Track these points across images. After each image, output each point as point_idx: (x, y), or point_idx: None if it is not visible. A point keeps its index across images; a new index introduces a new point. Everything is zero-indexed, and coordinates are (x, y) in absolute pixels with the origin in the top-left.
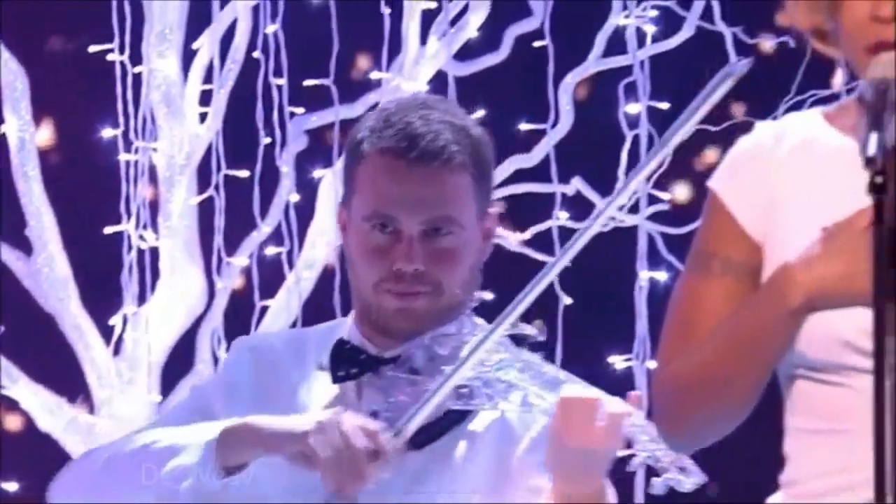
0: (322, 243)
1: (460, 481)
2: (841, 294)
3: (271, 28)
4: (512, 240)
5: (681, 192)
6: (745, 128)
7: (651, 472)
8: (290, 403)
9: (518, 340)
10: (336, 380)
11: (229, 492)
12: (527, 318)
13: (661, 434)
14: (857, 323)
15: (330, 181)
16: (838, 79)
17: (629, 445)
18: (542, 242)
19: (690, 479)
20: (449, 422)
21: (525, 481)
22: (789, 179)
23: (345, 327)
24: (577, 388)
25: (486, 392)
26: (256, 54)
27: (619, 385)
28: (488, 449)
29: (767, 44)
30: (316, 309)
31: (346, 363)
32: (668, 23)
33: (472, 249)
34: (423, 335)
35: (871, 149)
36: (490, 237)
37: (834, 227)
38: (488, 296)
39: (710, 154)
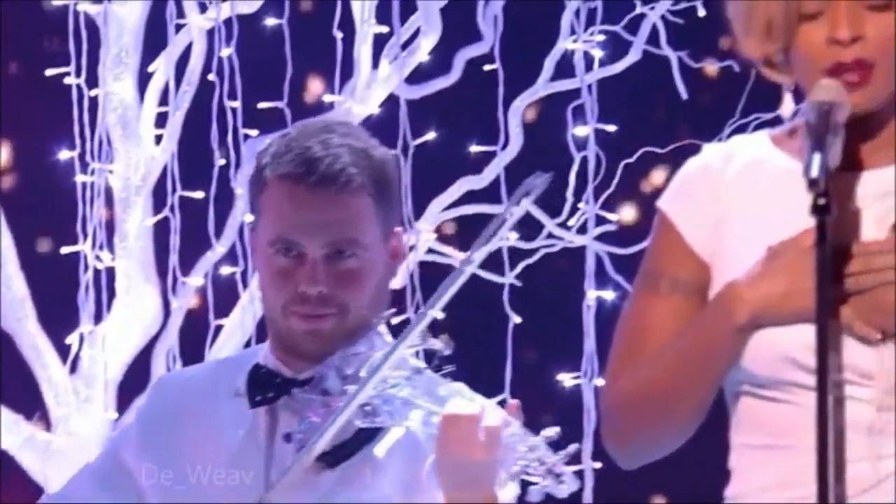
0: None
1: (371, 499)
2: (785, 311)
3: (226, 52)
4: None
5: (628, 213)
6: (691, 149)
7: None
8: (206, 433)
9: (428, 355)
10: (253, 405)
11: None
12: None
13: (609, 450)
14: (801, 340)
15: None
16: (787, 104)
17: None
18: (492, 262)
19: (565, 487)
20: (359, 441)
21: (433, 497)
22: (737, 200)
23: (261, 353)
24: (460, 403)
25: (386, 409)
26: (211, 77)
27: (568, 402)
28: (397, 467)
29: (712, 67)
30: None
31: (262, 388)
32: (616, 47)
33: (377, 269)
34: (333, 356)
35: (814, 171)
36: (398, 256)
37: (778, 245)
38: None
39: (656, 175)
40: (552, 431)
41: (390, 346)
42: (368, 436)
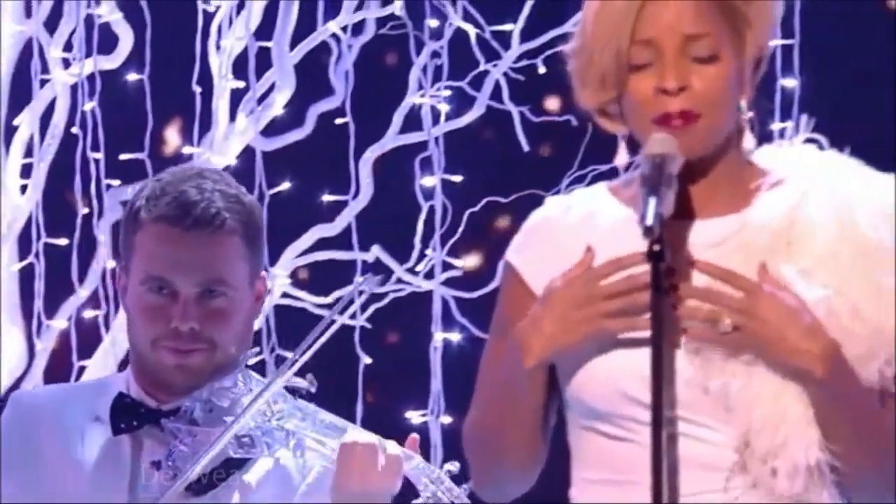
0: None
1: None
2: (568, 345)
3: (89, 105)
4: (314, 304)
5: (472, 259)
6: (533, 199)
7: None
8: (64, 455)
9: (291, 392)
10: (116, 432)
11: None
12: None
13: (474, 488)
14: (636, 376)
15: None
16: (622, 155)
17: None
18: (344, 306)
19: None
20: (228, 469)
21: None
22: (577, 248)
23: (120, 381)
24: (357, 434)
25: (265, 441)
26: (75, 130)
27: None
28: (267, 496)
29: (548, 125)
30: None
31: (126, 416)
32: (461, 102)
33: (244, 308)
34: (201, 389)
35: (649, 219)
36: (261, 299)
37: (549, 283)
38: (267, 353)
39: (500, 223)
40: (453, 466)
41: (257, 381)
42: (236, 465)
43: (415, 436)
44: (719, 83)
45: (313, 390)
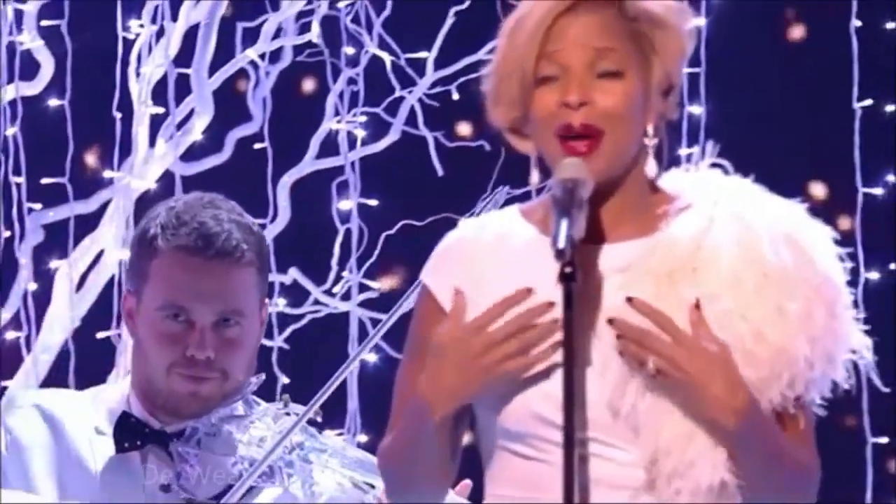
0: (58, 328)
1: None
2: (470, 398)
3: (11, 130)
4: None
5: (388, 281)
6: (447, 222)
7: None
8: (81, 464)
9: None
10: (120, 449)
11: None
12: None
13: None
14: (549, 397)
15: (65, 271)
16: (535, 176)
17: None
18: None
19: None
20: (236, 496)
21: None
22: (489, 270)
23: (119, 398)
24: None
25: (287, 472)
26: None
27: None
28: None
29: (461, 150)
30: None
31: (131, 435)
32: (377, 127)
33: (254, 336)
34: (209, 414)
35: (561, 242)
36: (264, 324)
37: (439, 338)
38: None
39: (415, 246)
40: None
41: (263, 408)
42: (245, 491)
43: (467, 481)
44: (622, 99)
45: (319, 419)
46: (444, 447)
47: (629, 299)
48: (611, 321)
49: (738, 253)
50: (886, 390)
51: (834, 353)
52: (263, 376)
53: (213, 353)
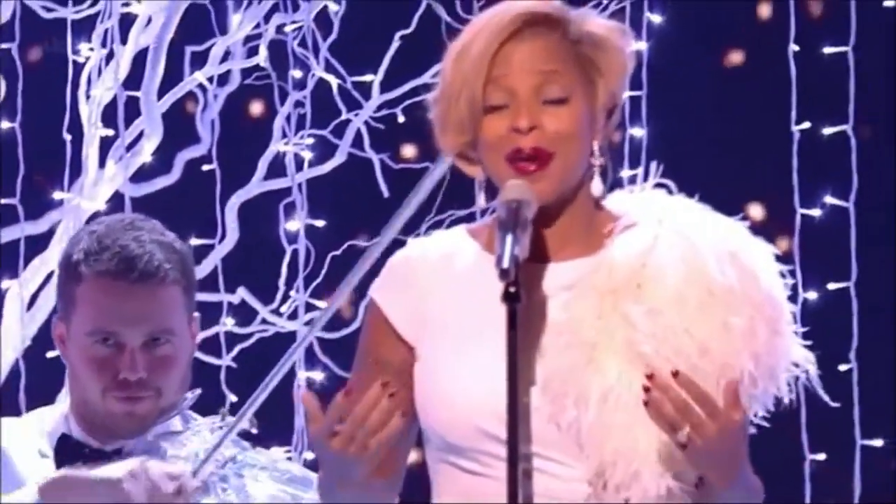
0: (9, 348)
1: None
2: (356, 478)
3: None
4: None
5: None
6: (393, 244)
7: None
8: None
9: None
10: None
11: None
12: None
13: None
14: (493, 412)
15: (16, 291)
16: (481, 199)
17: None
18: (211, 347)
19: None
20: None
21: None
22: (436, 288)
23: (58, 419)
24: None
25: (221, 486)
26: None
27: None
28: None
29: (407, 172)
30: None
31: (71, 456)
32: (323, 149)
33: (185, 352)
34: (146, 432)
35: (505, 262)
36: (195, 338)
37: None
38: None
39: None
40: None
41: (200, 423)
42: None
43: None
44: (570, 123)
45: (256, 431)
46: (386, 479)
47: (649, 377)
48: (650, 377)
49: (683, 270)
50: (836, 405)
51: (776, 369)
52: (199, 391)
53: (144, 373)
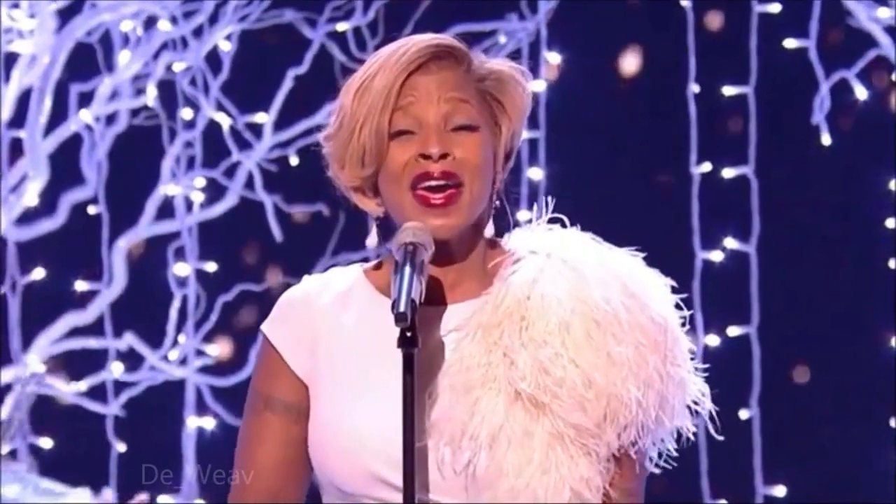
0: None
1: None
2: None
3: None
4: (67, 392)
5: (225, 347)
6: (285, 288)
7: None
8: None
9: None
10: None
11: None
12: None
13: None
14: (388, 459)
15: None
16: (373, 238)
17: None
18: (98, 394)
19: None
20: None
21: None
22: (330, 327)
23: None
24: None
25: None
26: None
27: None
28: None
29: (299, 215)
30: None
31: None
32: (214, 191)
33: None
34: None
35: (402, 306)
36: None
37: None
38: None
39: (251, 312)
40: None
41: None
42: None
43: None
44: (479, 151)
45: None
46: None
47: None
48: None
49: (568, 301)
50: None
51: (669, 398)
52: None
53: None
